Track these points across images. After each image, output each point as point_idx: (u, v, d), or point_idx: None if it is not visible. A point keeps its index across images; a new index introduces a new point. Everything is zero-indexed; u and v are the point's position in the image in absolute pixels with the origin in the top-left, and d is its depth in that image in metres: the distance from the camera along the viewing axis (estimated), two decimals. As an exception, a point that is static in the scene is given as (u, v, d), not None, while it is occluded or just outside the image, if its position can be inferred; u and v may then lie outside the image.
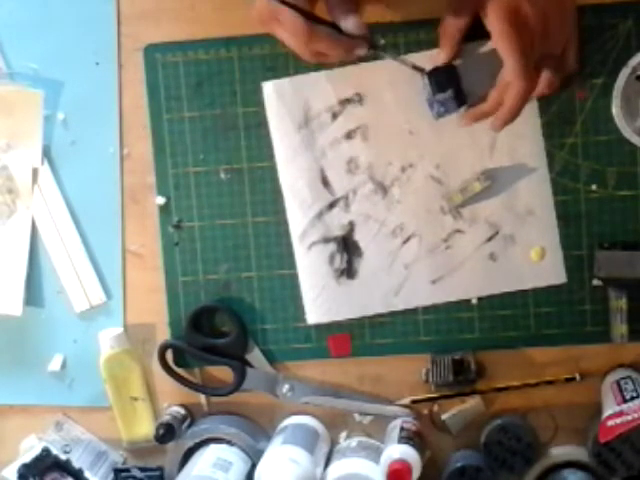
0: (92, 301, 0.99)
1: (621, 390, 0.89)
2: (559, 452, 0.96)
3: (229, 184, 0.96)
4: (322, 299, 0.96)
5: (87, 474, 0.97)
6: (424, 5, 0.91)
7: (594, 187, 0.93)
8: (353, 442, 0.97)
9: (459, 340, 0.96)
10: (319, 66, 0.91)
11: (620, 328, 0.91)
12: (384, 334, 0.97)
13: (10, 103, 0.97)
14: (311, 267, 0.96)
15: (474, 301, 0.95)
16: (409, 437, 0.91)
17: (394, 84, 0.92)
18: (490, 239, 0.94)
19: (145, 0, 0.95)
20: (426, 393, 0.97)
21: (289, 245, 0.96)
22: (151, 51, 0.95)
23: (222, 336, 0.98)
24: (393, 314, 0.96)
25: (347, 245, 0.96)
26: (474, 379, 0.94)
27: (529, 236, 0.93)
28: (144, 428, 1.00)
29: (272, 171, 0.95)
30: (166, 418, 0.97)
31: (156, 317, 0.99)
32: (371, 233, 0.95)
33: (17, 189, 0.99)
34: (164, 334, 0.99)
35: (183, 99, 0.96)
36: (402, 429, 0.93)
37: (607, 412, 0.88)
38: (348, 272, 0.96)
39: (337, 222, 0.95)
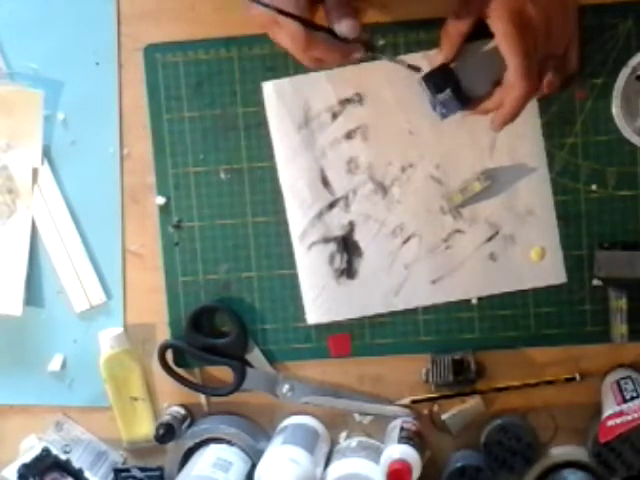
0: (92, 301, 0.99)
1: (621, 390, 0.89)
2: (559, 452, 0.96)
3: (229, 184, 0.96)
4: (322, 299, 0.96)
5: (87, 474, 0.97)
6: (424, 5, 0.91)
7: (594, 187, 0.93)
8: (353, 442, 0.97)
9: (459, 340, 0.96)
10: (319, 67, 0.91)
11: (620, 328, 0.91)
12: (384, 334, 0.97)
13: (10, 103, 0.97)
14: (311, 267, 0.96)
15: (474, 301, 0.95)
16: (409, 437, 0.91)
17: (394, 84, 0.92)
18: (490, 239, 0.94)
19: (145, 0, 0.95)
20: (426, 393, 0.97)
21: (289, 245, 0.96)
22: (151, 51, 0.95)
23: (222, 336, 0.98)
24: (393, 314, 0.96)
25: (347, 245, 0.96)
26: (474, 379, 0.94)
27: (529, 236, 0.93)
28: (144, 428, 1.00)
29: (272, 171, 0.95)
30: (166, 418, 0.97)
31: (156, 317, 0.99)
32: (371, 233, 0.95)
33: (17, 189, 0.99)
34: (164, 334, 0.99)
35: (183, 99, 0.96)
36: (402, 429, 0.93)
37: (607, 412, 0.88)
38: (348, 272, 0.96)
39: (337, 222, 0.95)
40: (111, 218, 0.98)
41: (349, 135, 0.94)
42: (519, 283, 0.94)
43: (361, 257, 0.95)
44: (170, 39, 0.95)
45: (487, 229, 0.94)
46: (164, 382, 0.99)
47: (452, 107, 0.87)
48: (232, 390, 0.98)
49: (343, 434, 0.99)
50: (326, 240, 0.96)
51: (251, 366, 0.98)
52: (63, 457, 0.96)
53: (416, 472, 0.88)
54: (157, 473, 0.99)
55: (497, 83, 0.84)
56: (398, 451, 0.89)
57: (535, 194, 0.93)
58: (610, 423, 0.86)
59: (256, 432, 0.98)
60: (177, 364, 0.99)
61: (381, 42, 0.91)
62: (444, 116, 0.88)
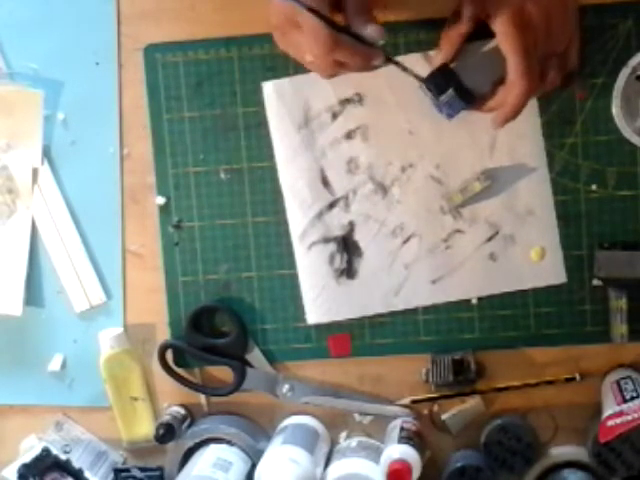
0: (92, 301, 0.99)
1: (621, 390, 0.89)
2: (559, 452, 0.96)
3: (229, 184, 0.96)
4: (322, 299, 0.96)
5: (87, 474, 0.97)
6: (424, 5, 0.91)
7: (594, 187, 0.93)
8: (353, 442, 0.97)
9: (459, 340, 0.96)
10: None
11: (620, 328, 0.91)
12: (384, 334, 0.97)
13: (10, 103, 0.97)
14: (311, 267, 0.96)
15: (474, 301, 0.95)
16: (409, 437, 0.91)
17: (394, 84, 0.92)
18: (490, 239, 0.94)
19: (145, 0, 0.95)
20: (426, 393, 0.97)
21: (289, 245, 0.96)
22: (151, 51, 0.95)
23: (222, 336, 0.98)
24: (393, 314, 0.96)
25: (347, 245, 0.96)
26: (474, 379, 0.94)
27: (529, 236, 0.93)
28: (144, 428, 1.00)
29: (272, 171, 0.95)
30: (166, 418, 0.97)
31: (156, 317, 0.99)
32: (371, 233, 0.95)
33: (17, 189, 0.99)
34: (164, 334, 0.99)
35: (183, 99, 0.96)
36: (402, 429, 0.93)
37: (607, 412, 0.88)
38: (348, 272, 0.96)
39: (337, 222, 0.95)
40: (111, 218, 0.98)
41: (349, 135, 0.94)
42: (519, 283, 0.94)
43: (361, 257, 0.95)
44: (170, 39, 0.95)
45: (487, 229, 0.94)
46: (164, 382, 0.99)
47: (456, 106, 0.87)
48: (232, 390, 0.98)
49: (343, 434, 0.99)
50: (326, 240, 0.96)
51: (251, 366, 0.98)
52: (63, 457, 0.96)
53: (416, 472, 0.88)
54: (157, 473, 0.99)
55: (499, 82, 0.84)
56: (398, 451, 0.89)
57: (535, 194, 0.93)
58: (610, 423, 0.86)
59: (256, 432, 0.98)
60: (177, 364, 0.99)
61: (381, 42, 0.91)
62: (450, 116, 0.87)
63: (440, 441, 0.98)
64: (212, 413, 1.00)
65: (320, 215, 0.95)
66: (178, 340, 0.98)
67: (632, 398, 0.87)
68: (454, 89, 0.86)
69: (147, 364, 1.00)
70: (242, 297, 0.98)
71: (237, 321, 0.97)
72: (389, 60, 0.82)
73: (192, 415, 1.00)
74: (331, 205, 0.95)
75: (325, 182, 0.95)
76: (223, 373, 0.99)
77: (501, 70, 0.83)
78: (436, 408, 0.97)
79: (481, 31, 0.84)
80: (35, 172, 0.98)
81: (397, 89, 0.92)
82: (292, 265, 0.96)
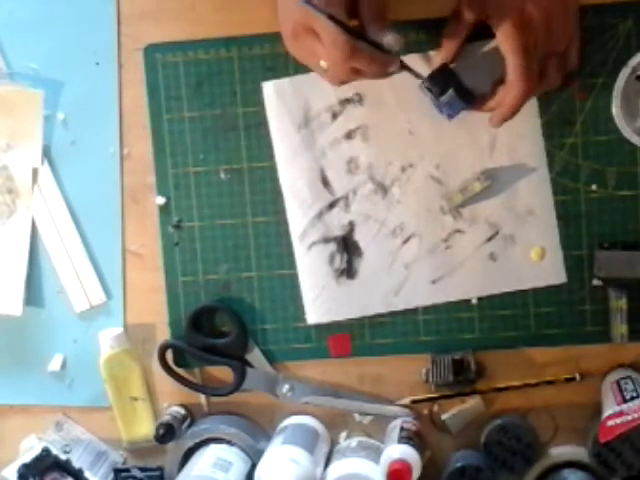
0: (92, 301, 0.99)
1: (621, 390, 0.89)
2: (559, 452, 0.96)
3: (229, 184, 0.96)
4: (322, 299, 0.96)
5: (87, 474, 0.97)
6: (424, 5, 0.91)
7: (594, 187, 0.93)
8: (353, 442, 0.97)
9: (459, 340, 0.96)
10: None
11: (620, 328, 0.91)
12: (384, 334, 0.97)
13: (10, 103, 0.97)
14: (311, 267, 0.96)
15: (474, 301, 0.95)
16: (409, 437, 0.91)
17: (394, 84, 0.92)
18: (490, 239, 0.94)
19: (145, 0, 0.95)
20: (426, 393, 0.97)
21: (289, 245, 0.96)
22: (151, 51, 0.95)
23: (222, 336, 0.98)
24: (393, 314, 0.96)
25: (347, 245, 0.96)
26: (474, 379, 0.94)
27: (529, 236, 0.93)
28: (144, 428, 1.00)
29: (272, 171, 0.95)
30: (166, 418, 0.97)
31: (156, 317, 0.99)
32: (371, 233, 0.95)
33: (17, 189, 0.99)
34: (164, 334, 0.99)
35: (183, 99, 0.96)
36: (402, 429, 0.93)
37: (607, 412, 0.88)
38: (348, 272, 0.96)
39: (337, 222, 0.95)
40: (111, 218, 0.98)
41: (349, 135, 0.94)
42: (519, 283, 0.94)
43: (361, 257, 0.95)
44: (170, 39, 0.95)
45: (487, 229, 0.94)
46: (164, 382, 0.99)
47: (457, 107, 0.87)
48: (232, 390, 0.98)
49: (343, 434, 0.99)
50: (326, 240, 0.96)
51: (251, 366, 0.98)
52: (63, 457, 0.96)
53: (416, 472, 0.88)
54: (157, 473, 0.99)
55: (499, 82, 0.84)
56: (398, 451, 0.89)
57: (535, 194, 0.93)
58: (610, 423, 0.86)
59: (256, 432, 0.98)
60: (177, 364, 0.99)
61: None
62: (450, 117, 0.87)
63: (440, 441, 0.98)
64: (212, 413, 1.00)
65: (320, 215, 0.95)
66: (178, 340, 0.98)
67: (632, 398, 0.87)
68: (454, 89, 0.86)
69: (147, 364, 1.00)
70: (242, 297, 0.98)
71: (237, 321, 0.97)
72: (404, 67, 0.82)
73: (192, 415, 1.00)
74: (331, 205, 0.95)
75: (325, 182, 0.95)
76: (223, 373, 0.99)
77: (501, 70, 0.83)
78: (436, 408, 0.97)
79: (481, 31, 0.85)
80: (35, 172, 0.98)
81: (397, 89, 0.92)
82: (292, 265, 0.96)
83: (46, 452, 0.95)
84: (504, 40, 0.80)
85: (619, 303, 0.91)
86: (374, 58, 0.78)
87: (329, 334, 0.97)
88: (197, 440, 0.97)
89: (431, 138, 0.93)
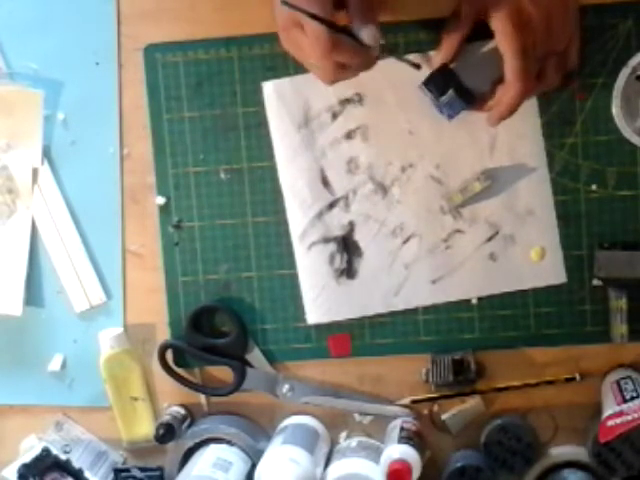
0: (92, 301, 0.99)
1: (621, 390, 0.89)
2: (559, 452, 0.96)
3: (229, 184, 0.96)
4: (322, 299, 0.96)
5: (87, 474, 0.97)
6: (424, 5, 0.91)
7: (594, 187, 0.93)
8: (353, 442, 0.97)
9: (459, 340, 0.96)
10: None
11: (620, 328, 0.91)
12: (384, 334, 0.97)
13: (10, 103, 0.97)
14: (311, 267, 0.96)
15: (474, 301, 0.95)
16: (409, 437, 0.91)
17: (394, 84, 0.92)
18: (490, 239, 0.94)
19: (145, 0, 0.95)
20: (426, 393, 0.97)
21: (289, 245, 0.96)
22: (151, 51, 0.95)
23: (222, 336, 0.98)
24: (393, 314, 0.96)
25: (347, 245, 0.96)
26: (474, 379, 0.94)
27: (529, 236, 0.93)
28: (144, 428, 1.00)
29: (272, 171, 0.95)
30: (166, 418, 0.97)
31: (156, 317, 0.99)
32: (371, 233, 0.95)
33: (17, 189, 0.99)
34: (164, 334, 0.99)
35: (183, 99, 0.96)
36: (402, 429, 0.93)
37: (607, 412, 0.88)
38: (348, 272, 0.96)
39: (337, 222, 0.95)
40: (111, 218, 0.98)
41: (349, 135, 0.94)
42: (519, 283, 0.94)
43: (361, 257, 0.95)
44: (170, 39, 0.95)
45: (487, 229, 0.94)
46: (164, 382, 0.99)
47: (457, 107, 0.87)
48: (232, 390, 0.98)
49: (343, 434, 0.99)
50: (326, 240, 0.96)
51: (251, 366, 0.98)
52: (63, 457, 0.96)
53: (416, 472, 0.88)
54: (157, 473, 0.99)
55: (499, 82, 0.84)
56: (398, 451, 0.89)
57: (535, 194, 0.93)
58: (610, 423, 0.86)
59: (256, 432, 0.98)
60: (177, 364, 0.99)
61: (381, 42, 0.91)
62: (450, 117, 0.87)
63: (440, 441, 0.98)
64: (212, 413, 1.00)
65: (320, 215, 0.95)
66: (178, 340, 0.98)
67: (632, 398, 0.87)
68: (454, 89, 0.86)
69: (147, 364, 1.00)
70: (242, 297, 0.98)
71: (237, 321, 0.97)
72: (385, 51, 0.82)
73: (192, 415, 1.00)
74: (331, 205, 0.95)
75: (325, 182, 0.95)
76: (223, 373, 0.99)
77: (501, 70, 0.83)
78: (436, 408, 0.97)
79: (481, 31, 0.85)
80: (35, 172, 0.98)
81: (397, 89, 0.92)
82: (292, 265, 0.96)
83: (46, 452, 0.95)
84: (502, 40, 0.80)
85: (619, 303, 0.91)
86: (356, 52, 0.79)
87: (329, 334, 0.97)
88: (197, 440, 0.97)
89: (431, 138, 0.93)
